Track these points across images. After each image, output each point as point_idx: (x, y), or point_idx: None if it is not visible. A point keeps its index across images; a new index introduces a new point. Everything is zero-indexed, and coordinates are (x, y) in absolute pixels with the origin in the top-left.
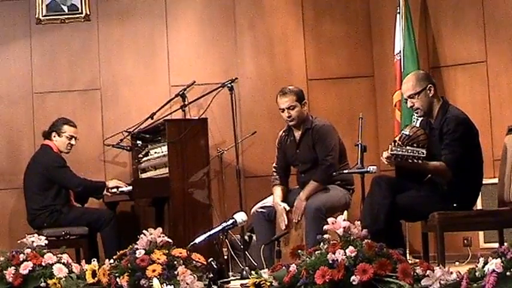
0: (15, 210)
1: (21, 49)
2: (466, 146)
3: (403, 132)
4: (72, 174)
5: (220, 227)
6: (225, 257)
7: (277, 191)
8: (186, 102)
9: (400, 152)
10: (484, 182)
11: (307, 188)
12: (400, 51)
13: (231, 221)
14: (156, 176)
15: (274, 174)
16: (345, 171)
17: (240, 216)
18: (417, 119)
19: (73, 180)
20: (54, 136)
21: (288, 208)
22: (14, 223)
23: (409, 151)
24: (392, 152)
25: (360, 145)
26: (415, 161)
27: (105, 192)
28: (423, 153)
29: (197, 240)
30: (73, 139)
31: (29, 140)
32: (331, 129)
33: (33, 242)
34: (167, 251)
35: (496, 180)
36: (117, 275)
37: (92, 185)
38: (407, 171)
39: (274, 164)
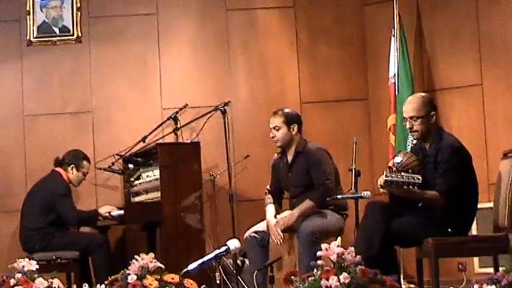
0: (4, 234)
1: (12, 71)
2: (460, 175)
3: (395, 159)
4: (72, 206)
5: (213, 254)
6: (218, 282)
7: (270, 208)
8: (179, 126)
9: (395, 179)
10: (479, 207)
11: (302, 205)
12: (394, 75)
13: (224, 248)
14: (148, 200)
15: (267, 193)
16: (338, 197)
17: (233, 243)
18: (412, 142)
19: (70, 213)
20: (72, 169)
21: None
22: (3, 246)
23: (404, 177)
24: (387, 179)
25: (353, 170)
26: (411, 187)
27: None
28: (419, 179)
29: (190, 268)
30: (86, 175)
31: (20, 163)
32: (325, 154)
33: (23, 266)
34: (159, 277)
35: (491, 204)
36: None
37: (85, 217)
38: (401, 197)
39: (267, 186)
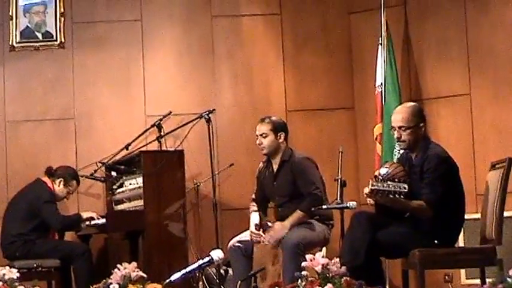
0: None
1: None
2: (446, 185)
3: (381, 169)
4: (56, 212)
5: (196, 265)
6: None
7: (254, 216)
8: (162, 133)
9: (381, 187)
10: (466, 217)
11: (292, 216)
12: (381, 84)
13: (207, 259)
14: (131, 208)
15: (252, 201)
16: (323, 207)
17: (217, 254)
18: (398, 152)
19: (54, 217)
20: (60, 183)
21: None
22: None
23: (391, 186)
24: (373, 187)
25: (339, 180)
26: (397, 196)
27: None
28: (405, 188)
29: (172, 278)
30: (69, 195)
31: (1, 169)
32: (311, 163)
33: (4, 274)
34: (141, 286)
35: (478, 216)
36: None
37: (69, 221)
38: (387, 207)
39: (253, 195)
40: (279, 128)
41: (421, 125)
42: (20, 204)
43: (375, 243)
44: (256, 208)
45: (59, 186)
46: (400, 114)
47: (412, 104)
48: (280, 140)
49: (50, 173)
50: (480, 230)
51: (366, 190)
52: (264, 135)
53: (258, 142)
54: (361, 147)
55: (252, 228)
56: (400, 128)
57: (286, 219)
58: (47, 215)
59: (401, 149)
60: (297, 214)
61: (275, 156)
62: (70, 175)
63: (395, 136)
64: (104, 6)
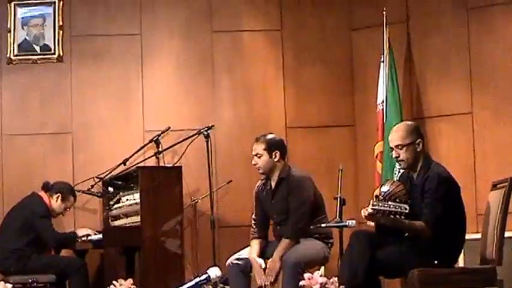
0: None
1: None
2: (447, 205)
3: (382, 188)
4: (51, 228)
5: (193, 282)
6: None
7: (254, 245)
8: (161, 149)
9: (382, 208)
10: (467, 237)
11: (279, 247)
12: (383, 101)
13: (204, 276)
14: (128, 224)
15: (253, 226)
16: (322, 225)
17: (214, 272)
18: (399, 171)
19: (49, 234)
20: (58, 198)
21: (263, 266)
22: None
23: (391, 206)
24: (374, 208)
25: (339, 198)
26: (397, 216)
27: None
28: (406, 209)
29: None
30: (66, 211)
31: None
32: (307, 181)
33: None
34: None
35: (479, 236)
36: None
37: (63, 238)
38: (386, 226)
39: (253, 216)
40: (273, 146)
41: (418, 141)
42: (15, 218)
43: (374, 263)
44: (256, 235)
45: (56, 201)
46: (396, 133)
47: (407, 122)
48: (276, 159)
49: (48, 187)
50: (480, 250)
51: (365, 212)
52: (258, 155)
53: (253, 162)
54: (361, 165)
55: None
56: (397, 146)
57: (275, 252)
58: (41, 231)
59: (401, 168)
60: (283, 244)
61: (273, 175)
62: (68, 190)
63: (394, 156)
64: (103, 20)
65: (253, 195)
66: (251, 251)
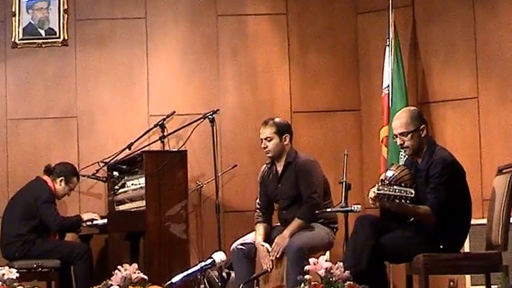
0: None
1: None
2: (452, 190)
3: (387, 172)
4: (56, 212)
5: (198, 267)
6: None
7: (260, 229)
8: (165, 133)
9: (387, 192)
10: (472, 223)
11: (291, 225)
12: (388, 86)
13: (209, 261)
14: (132, 208)
15: (258, 211)
16: (328, 210)
17: (219, 256)
18: (404, 156)
19: (53, 219)
20: (61, 181)
21: (270, 249)
22: None
23: (397, 191)
24: (379, 192)
25: (344, 183)
26: (403, 201)
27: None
28: (411, 193)
29: (174, 280)
30: (71, 191)
31: (2, 168)
32: (315, 165)
33: (3, 274)
34: None
35: (485, 221)
36: None
37: (68, 223)
38: (391, 211)
39: (257, 200)
40: (283, 130)
41: (422, 126)
42: (19, 203)
43: (378, 248)
44: (260, 219)
45: (60, 184)
46: (398, 121)
47: (409, 108)
48: (286, 143)
49: (49, 170)
50: (486, 235)
51: (371, 194)
52: (268, 138)
53: (263, 146)
54: (366, 149)
55: (262, 247)
56: (401, 134)
57: (285, 228)
58: (45, 216)
59: (406, 155)
60: (296, 222)
61: (280, 159)
62: (70, 172)
63: (398, 143)
64: (108, 4)
65: (257, 180)
66: (256, 236)
